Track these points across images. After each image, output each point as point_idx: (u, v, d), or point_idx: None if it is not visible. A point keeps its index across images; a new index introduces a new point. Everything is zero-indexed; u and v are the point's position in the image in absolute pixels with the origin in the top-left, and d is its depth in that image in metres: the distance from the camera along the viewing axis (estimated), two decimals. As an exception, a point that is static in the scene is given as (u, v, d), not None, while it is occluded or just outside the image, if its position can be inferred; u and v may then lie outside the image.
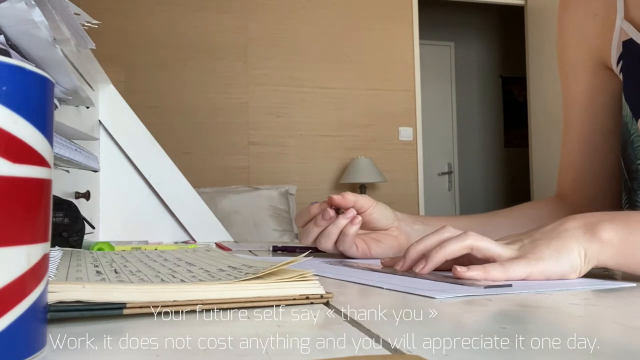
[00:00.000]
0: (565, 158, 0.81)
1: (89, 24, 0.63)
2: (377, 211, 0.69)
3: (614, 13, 0.68)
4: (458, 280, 0.43)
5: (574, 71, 0.77)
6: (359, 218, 0.66)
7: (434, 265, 0.47)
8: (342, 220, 0.66)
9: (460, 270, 0.44)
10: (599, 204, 0.77)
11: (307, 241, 0.68)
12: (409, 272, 0.49)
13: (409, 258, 0.50)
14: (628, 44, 0.67)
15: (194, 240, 1.18)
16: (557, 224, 0.48)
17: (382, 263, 0.55)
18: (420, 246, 0.50)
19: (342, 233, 0.66)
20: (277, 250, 0.82)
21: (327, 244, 0.67)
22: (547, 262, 0.45)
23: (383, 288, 0.41)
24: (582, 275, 0.46)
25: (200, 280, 0.35)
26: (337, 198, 0.67)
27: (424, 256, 0.49)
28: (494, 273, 0.44)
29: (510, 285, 0.41)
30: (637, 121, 0.67)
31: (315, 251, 0.71)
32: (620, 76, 0.69)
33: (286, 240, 3.08)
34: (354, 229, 0.66)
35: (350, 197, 0.67)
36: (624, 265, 0.46)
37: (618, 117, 0.74)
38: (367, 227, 0.70)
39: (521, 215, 0.79)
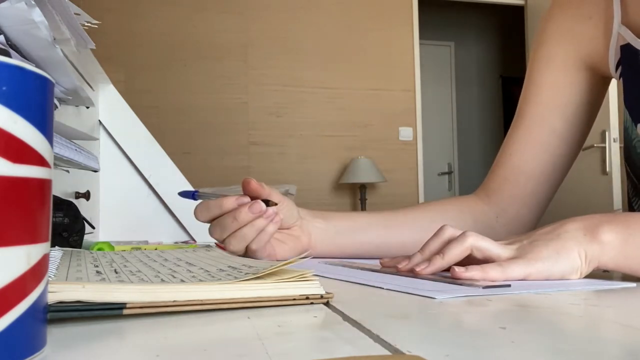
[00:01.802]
0: (502, 152, 0.77)
1: (89, 24, 0.63)
2: (285, 208, 0.64)
3: (610, 18, 0.67)
4: (457, 280, 0.43)
5: (546, 63, 0.74)
6: (280, 216, 0.61)
7: (436, 270, 0.48)
8: (262, 222, 0.59)
9: (459, 270, 0.44)
10: (521, 205, 0.74)
11: (222, 237, 0.60)
12: (409, 272, 0.49)
13: (412, 263, 0.50)
14: (626, 49, 0.66)
15: (194, 240, 1.18)
16: (556, 226, 0.48)
17: (381, 263, 0.55)
18: (426, 253, 0.50)
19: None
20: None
21: (239, 246, 0.60)
22: (546, 262, 0.45)
23: (383, 288, 0.41)
24: (583, 276, 0.46)
25: (200, 280, 0.35)
26: (256, 185, 0.61)
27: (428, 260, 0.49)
28: (493, 273, 0.44)
29: (509, 286, 0.41)
30: (636, 126, 0.67)
31: None
32: (620, 81, 0.69)
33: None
34: (275, 228, 0.60)
35: (266, 187, 0.61)
36: (625, 267, 0.46)
37: (574, 122, 0.73)
38: None
39: (437, 212, 0.74)
